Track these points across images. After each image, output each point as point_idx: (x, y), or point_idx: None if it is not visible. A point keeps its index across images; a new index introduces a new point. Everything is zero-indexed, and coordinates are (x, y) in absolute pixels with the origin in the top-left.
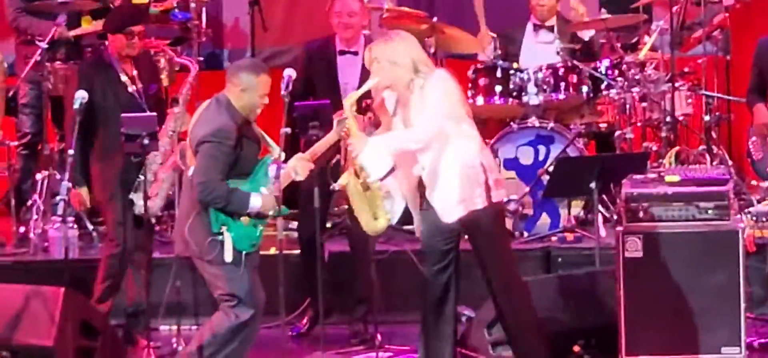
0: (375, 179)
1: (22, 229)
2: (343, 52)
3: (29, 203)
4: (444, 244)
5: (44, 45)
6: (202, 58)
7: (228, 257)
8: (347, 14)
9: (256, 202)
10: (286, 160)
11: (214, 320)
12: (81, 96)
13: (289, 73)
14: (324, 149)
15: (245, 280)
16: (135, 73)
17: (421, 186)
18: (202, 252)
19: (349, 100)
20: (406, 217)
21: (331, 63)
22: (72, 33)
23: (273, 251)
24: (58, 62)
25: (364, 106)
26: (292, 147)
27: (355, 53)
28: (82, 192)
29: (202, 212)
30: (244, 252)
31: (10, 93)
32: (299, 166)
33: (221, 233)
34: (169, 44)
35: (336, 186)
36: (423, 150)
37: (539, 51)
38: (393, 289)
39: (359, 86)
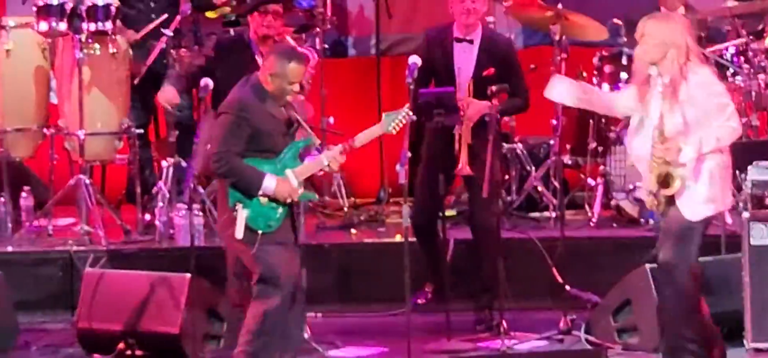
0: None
1: (147, 217)
2: (459, 40)
3: (154, 190)
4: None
5: (169, 32)
6: (326, 46)
7: (238, 233)
8: (471, 0)
9: (269, 183)
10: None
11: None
12: (205, 84)
13: (414, 60)
14: (366, 143)
15: (263, 260)
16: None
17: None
18: (222, 226)
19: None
20: (531, 203)
21: (447, 50)
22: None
23: (398, 238)
24: (183, 49)
25: (488, 93)
26: (417, 134)
27: (471, 42)
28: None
29: (225, 188)
30: (259, 231)
31: (136, 81)
32: (332, 158)
33: (235, 209)
34: (293, 32)
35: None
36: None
37: None
38: (519, 276)
39: (474, 75)
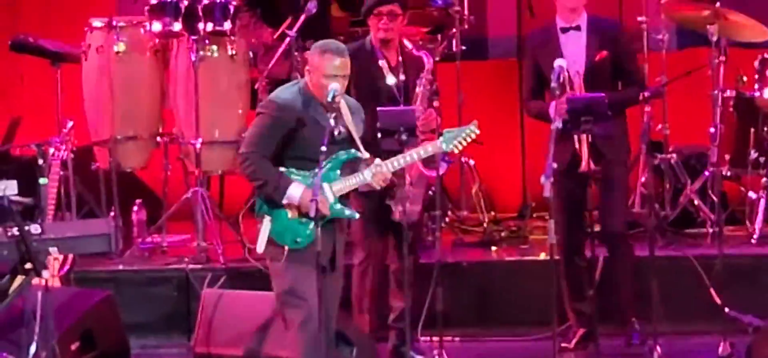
0: None
1: None
2: (564, 30)
3: None
4: None
5: (293, 33)
6: (464, 48)
7: (260, 245)
8: None
9: (295, 192)
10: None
11: None
12: (334, 89)
13: (560, 64)
14: (414, 162)
15: (288, 277)
16: (400, 62)
17: None
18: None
19: None
20: (686, 218)
21: (553, 44)
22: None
23: (543, 256)
24: (308, 51)
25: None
26: (564, 142)
27: (578, 28)
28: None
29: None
30: (285, 247)
31: (256, 86)
32: (376, 174)
33: (262, 218)
34: (427, 32)
35: None
36: None
37: None
38: (673, 297)
39: (586, 64)
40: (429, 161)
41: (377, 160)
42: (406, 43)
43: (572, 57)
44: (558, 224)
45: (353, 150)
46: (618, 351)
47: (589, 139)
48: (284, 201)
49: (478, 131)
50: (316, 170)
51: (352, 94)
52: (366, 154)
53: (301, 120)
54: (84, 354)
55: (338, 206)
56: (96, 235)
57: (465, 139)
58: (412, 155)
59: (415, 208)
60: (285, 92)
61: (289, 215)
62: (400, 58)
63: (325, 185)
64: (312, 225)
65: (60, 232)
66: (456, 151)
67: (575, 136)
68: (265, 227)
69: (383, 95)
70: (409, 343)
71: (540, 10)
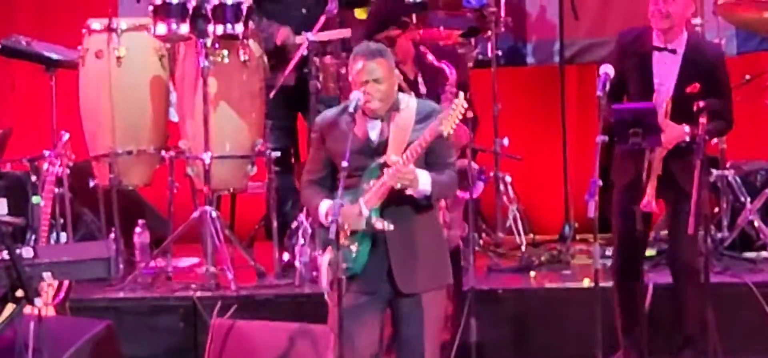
0: None
1: (285, 256)
2: (659, 49)
3: (293, 225)
4: None
5: (311, 36)
6: (500, 53)
7: (323, 282)
8: (663, 1)
9: (322, 209)
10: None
11: None
12: (355, 98)
13: (606, 70)
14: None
15: (335, 312)
16: (418, 75)
17: None
18: None
19: None
20: (745, 241)
21: (645, 59)
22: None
23: (587, 282)
24: (328, 57)
25: (695, 109)
26: (608, 158)
27: (674, 52)
28: None
29: None
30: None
31: (271, 94)
32: (393, 176)
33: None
34: (461, 35)
35: None
36: None
37: None
38: (731, 327)
39: (675, 92)
40: (463, 182)
41: (395, 158)
42: (428, 54)
43: (663, 80)
44: (615, 246)
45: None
46: None
47: (659, 173)
48: (320, 221)
49: (465, 104)
50: (360, 186)
51: None
52: (394, 158)
53: (336, 134)
54: None
55: (374, 218)
56: (94, 259)
57: (455, 118)
58: (421, 144)
59: (455, 233)
60: (328, 109)
61: (342, 241)
62: (419, 72)
63: (361, 199)
64: (354, 247)
65: (54, 256)
66: (451, 131)
67: (645, 165)
68: (324, 260)
69: None
70: None
71: (585, 12)
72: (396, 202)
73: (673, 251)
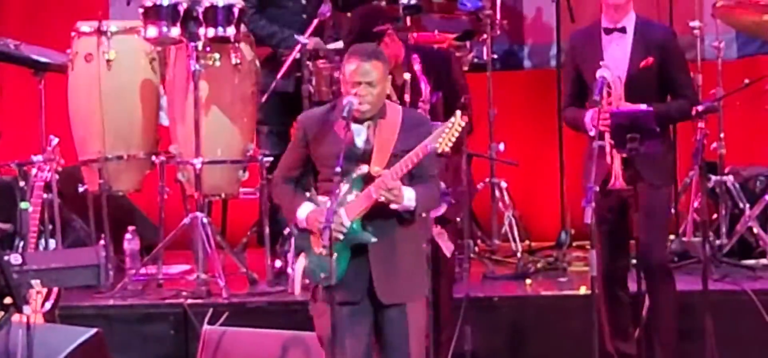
0: None
1: (278, 263)
2: (608, 31)
3: (286, 232)
4: None
5: (304, 40)
6: (495, 56)
7: (296, 288)
8: None
9: (302, 213)
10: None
11: None
12: (349, 103)
13: (603, 75)
14: (405, 171)
15: (321, 322)
16: (406, 77)
17: None
18: None
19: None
20: (744, 248)
21: (596, 45)
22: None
23: (584, 290)
24: (321, 61)
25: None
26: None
27: (623, 30)
28: None
29: None
30: (316, 285)
31: (264, 99)
32: (378, 189)
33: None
34: (456, 39)
35: None
36: None
37: None
38: (729, 336)
39: (629, 70)
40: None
41: (378, 169)
42: (416, 63)
43: (614, 61)
44: (598, 254)
45: (365, 167)
46: None
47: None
48: (294, 223)
49: (463, 123)
50: (341, 192)
51: None
52: (377, 169)
53: (320, 133)
54: None
55: (355, 227)
56: (83, 266)
57: (451, 137)
58: (412, 159)
59: (448, 244)
60: (319, 107)
61: (315, 249)
62: (407, 77)
63: (342, 209)
64: (334, 257)
65: (43, 262)
66: (447, 149)
67: (607, 148)
68: (299, 266)
69: None
70: None
71: (582, 14)
72: (378, 214)
73: (641, 253)
